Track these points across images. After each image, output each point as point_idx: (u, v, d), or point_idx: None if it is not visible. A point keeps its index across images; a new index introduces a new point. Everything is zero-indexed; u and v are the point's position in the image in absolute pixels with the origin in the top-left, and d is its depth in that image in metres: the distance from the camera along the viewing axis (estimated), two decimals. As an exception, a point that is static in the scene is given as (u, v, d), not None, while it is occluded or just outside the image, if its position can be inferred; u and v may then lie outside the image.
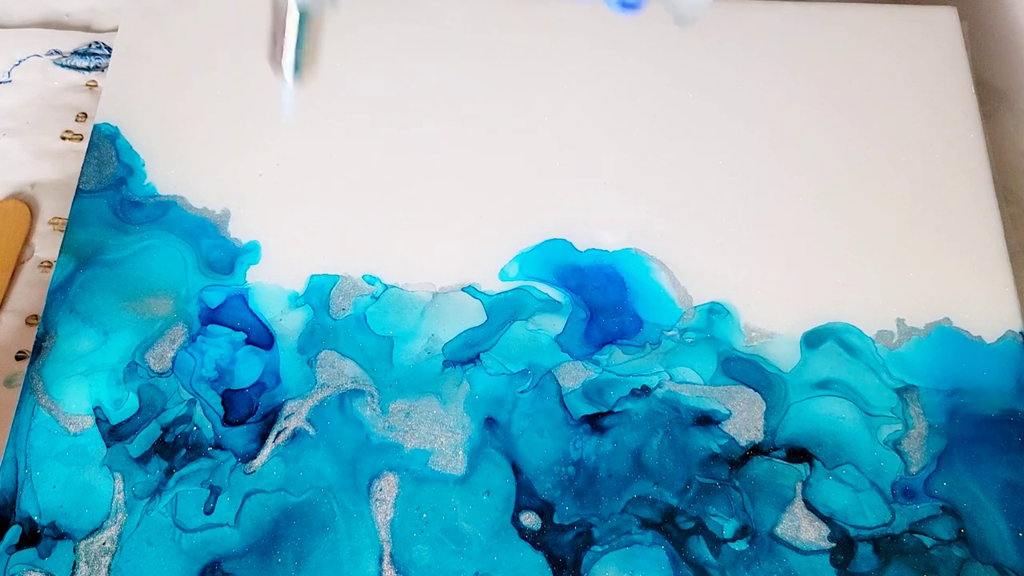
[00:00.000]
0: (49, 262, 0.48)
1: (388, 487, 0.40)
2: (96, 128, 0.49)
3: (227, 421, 0.42)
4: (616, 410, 0.42)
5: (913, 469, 0.41)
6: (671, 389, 0.43)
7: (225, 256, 0.45)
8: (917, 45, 0.52)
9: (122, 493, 0.40)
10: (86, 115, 0.52)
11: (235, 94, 0.50)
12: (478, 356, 0.43)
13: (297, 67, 0.30)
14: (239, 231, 0.46)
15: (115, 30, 0.54)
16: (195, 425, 0.42)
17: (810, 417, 0.42)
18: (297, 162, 0.48)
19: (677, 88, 0.51)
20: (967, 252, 0.46)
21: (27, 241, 0.48)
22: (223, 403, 0.42)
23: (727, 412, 0.42)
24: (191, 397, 0.42)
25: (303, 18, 0.29)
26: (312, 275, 0.45)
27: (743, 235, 0.47)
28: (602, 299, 0.45)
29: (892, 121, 0.50)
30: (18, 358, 0.46)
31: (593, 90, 0.51)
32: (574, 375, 0.43)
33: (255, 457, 0.41)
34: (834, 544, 0.40)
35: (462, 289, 0.45)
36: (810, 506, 0.40)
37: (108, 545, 0.39)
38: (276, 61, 0.30)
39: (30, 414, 0.41)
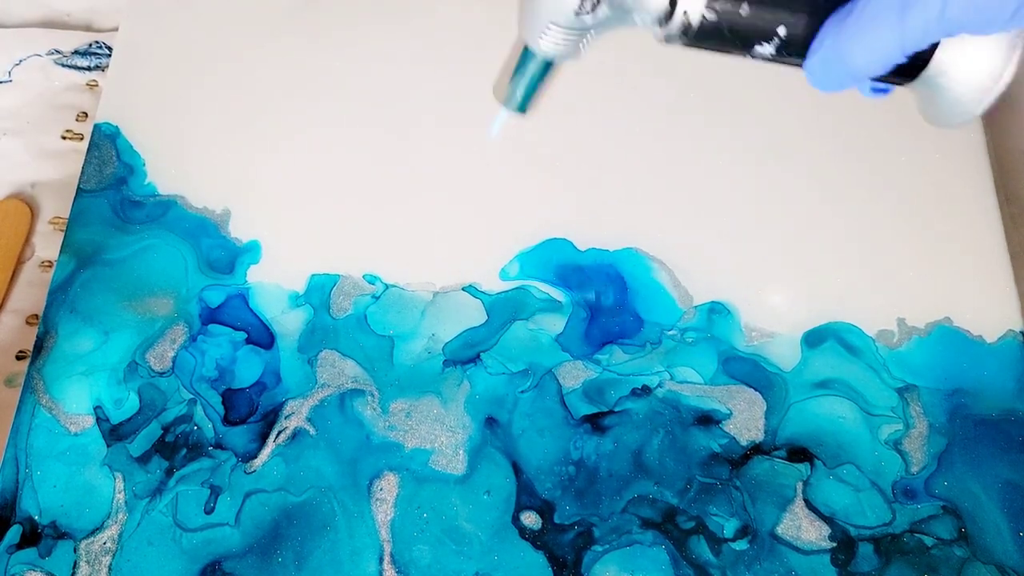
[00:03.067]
0: (50, 262, 0.48)
1: (388, 487, 0.40)
2: (97, 128, 0.49)
3: (227, 421, 0.42)
4: (616, 410, 0.42)
5: (914, 469, 0.41)
6: (672, 389, 0.43)
7: (225, 255, 0.45)
8: (917, 45, 0.52)
9: (123, 493, 0.40)
10: (87, 115, 0.52)
11: (235, 94, 0.50)
12: (478, 356, 0.43)
13: (522, 105, 0.34)
14: (239, 230, 0.46)
15: (115, 30, 0.54)
16: (196, 425, 0.42)
17: (811, 417, 0.42)
18: (298, 161, 0.48)
19: (678, 88, 0.51)
20: (967, 252, 0.46)
21: (28, 241, 0.48)
22: (223, 403, 0.42)
23: (728, 412, 0.42)
24: (192, 397, 0.42)
25: (547, 65, 0.31)
26: (312, 274, 0.45)
27: (744, 235, 0.47)
28: (603, 299, 0.45)
29: (892, 121, 0.50)
30: (19, 358, 0.46)
31: (594, 90, 0.51)
32: (574, 375, 0.43)
33: (255, 457, 0.41)
34: (835, 544, 0.40)
35: (462, 288, 0.45)
36: (811, 506, 0.40)
37: (108, 545, 0.39)
38: (501, 91, 0.33)
39: (31, 414, 0.41)
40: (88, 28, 0.56)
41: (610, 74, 0.51)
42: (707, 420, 0.42)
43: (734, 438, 0.42)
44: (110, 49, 0.53)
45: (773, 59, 0.27)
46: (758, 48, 0.26)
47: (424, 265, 0.45)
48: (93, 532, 0.39)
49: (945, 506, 0.40)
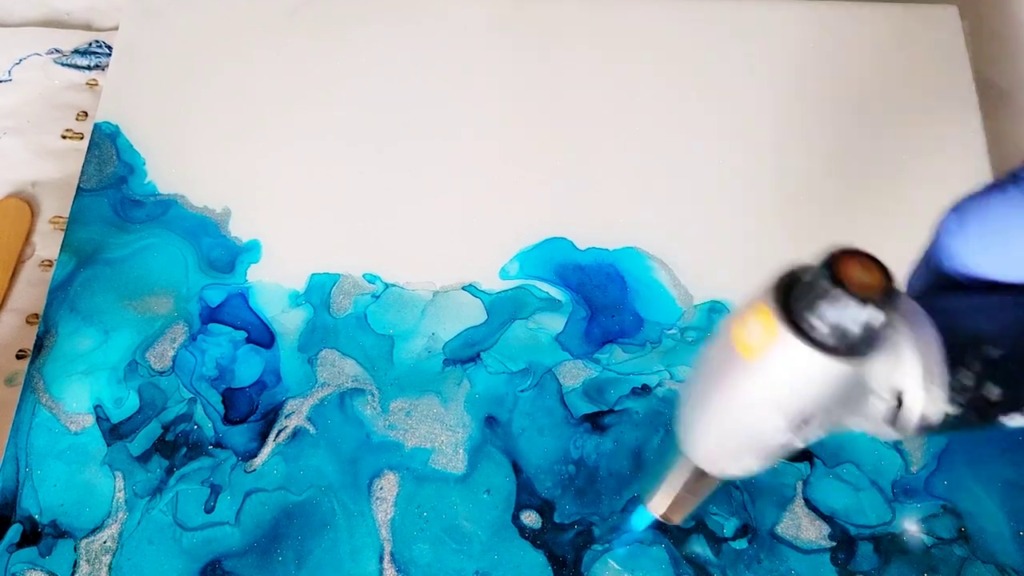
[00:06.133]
0: (50, 261, 0.48)
1: (389, 486, 0.40)
2: (97, 127, 0.49)
3: (228, 420, 0.42)
4: (616, 409, 0.42)
5: (914, 468, 0.41)
6: (672, 388, 0.43)
7: (226, 255, 0.45)
8: (918, 43, 0.52)
9: (123, 492, 0.40)
10: (87, 114, 0.52)
11: (236, 93, 0.50)
12: (479, 355, 0.43)
13: (685, 522, 0.30)
14: (240, 230, 0.46)
15: (116, 29, 0.54)
16: (196, 424, 0.42)
17: (811, 416, 0.42)
18: (298, 161, 0.48)
19: (678, 87, 0.51)
20: (968, 251, 0.46)
21: (28, 240, 0.48)
22: (223, 402, 0.42)
23: (728, 411, 0.42)
24: (192, 396, 0.42)
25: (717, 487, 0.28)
26: (313, 274, 0.45)
27: (744, 233, 0.47)
28: (603, 298, 0.45)
29: (893, 119, 0.50)
30: (19, 357, 0.46)
31: (594, 89, 0.51)
32: (574, 374, 0.43)
33: (256, 456, 0.41)
34: (835, 543, 0.40)
35: (463, 288, 0.45)
36: (811, 505, 0.40)
37: (109, 544, 0.39)
38: (661, 504, 0.29)
39: (31, 413, 0.41)
40: (88, 27, 0.56)
41: (610, 74, 0.51)
42: (707, 419, 0.42)
43: (734, 437, 0.42)
44: (110, 48, 0.53)
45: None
46: (1003, 419, 0.22)
47: (424, 264, 0.45)
48: (93, 531, 0.39)
49: (945, 505, 0.40)
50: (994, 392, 0.21)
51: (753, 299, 0.21)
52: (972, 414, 0.22)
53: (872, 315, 0.19)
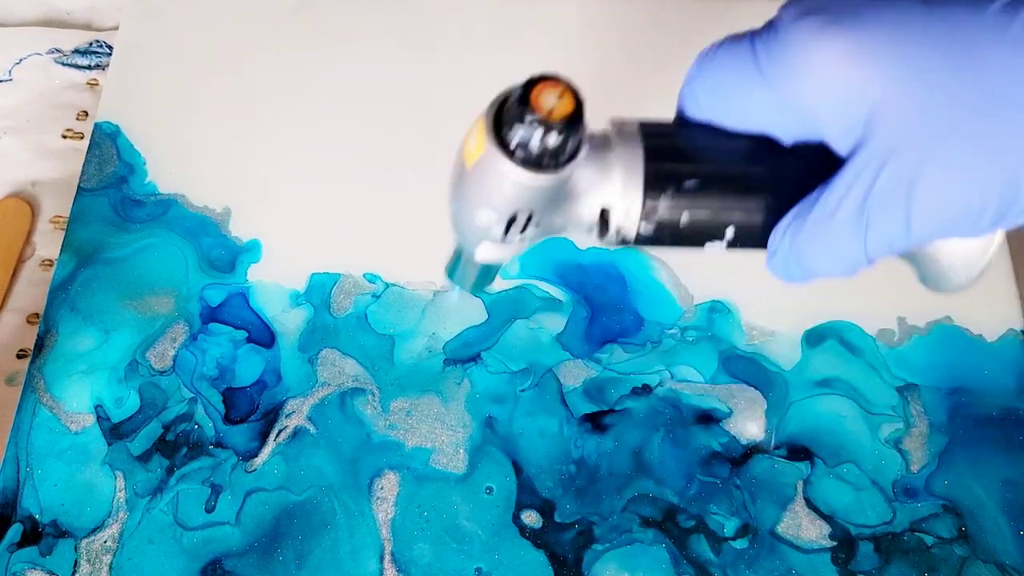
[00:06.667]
0: (50, 260, 0.48)
1: (389, 485, 0.40)
2: (97, 126, 0.49)
3: (228, 419, 0.42)
4: (617, 408, 0.42)
5: (914, 467, 0.41)
6: (672, 387, 0.43)
7: (226, 254, 0.45)
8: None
9: (123, 491, 0.40)
10: (87, 113, 0.52)
11: (236, 93, 0.50)
12: (479, 355, 0.43)
13: (473, 291, 0.33)
14: (240, 229, 0.46)
15: (116, 28, 0.54)
16: (196, 423, 0.42)
17: (811, 415, 0.42)
18: (299, 160, 0.48)
19: (678, 86, 0.51)
20: (968, 250, 0.46)
21: (28, 240, 0.48)
22: (224, 401, 0.42)
23: (728, 410, 0.42)
24: (192, 395, 0.42)
25: (492, 269, 0.31)
26: (313, 273, 0.45)
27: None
28: (603, 297, 0.45)
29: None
30: (19, 356, 0.46)
31: (594, 88, 0.50)
32: (575, 373, 0.43)
33: (256, 455, 0.41)
34: (835, 542, 0.40)
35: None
36: (811, 504, 0.40)
37: (109, 543, 0.39)
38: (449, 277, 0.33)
39: (31, 412, 0.41)
40: (88, 27, 0.56)
41: (610, 72, 0.51)
42: (707, 419, 0.42)
43: (734, 437, 0.42)
44: (110, 48, 0.53)
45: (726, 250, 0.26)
46: (708, 245, 0.25)
47: (424, 264, 0.45)
48: (94, 531, 0.39)
49: (945, 505, 0.40)
50: (684, 219, 0.24)
51: (479, 115, 0.23)
52: (666, 236, 0.25)
53: (550, 138, 0.22)
